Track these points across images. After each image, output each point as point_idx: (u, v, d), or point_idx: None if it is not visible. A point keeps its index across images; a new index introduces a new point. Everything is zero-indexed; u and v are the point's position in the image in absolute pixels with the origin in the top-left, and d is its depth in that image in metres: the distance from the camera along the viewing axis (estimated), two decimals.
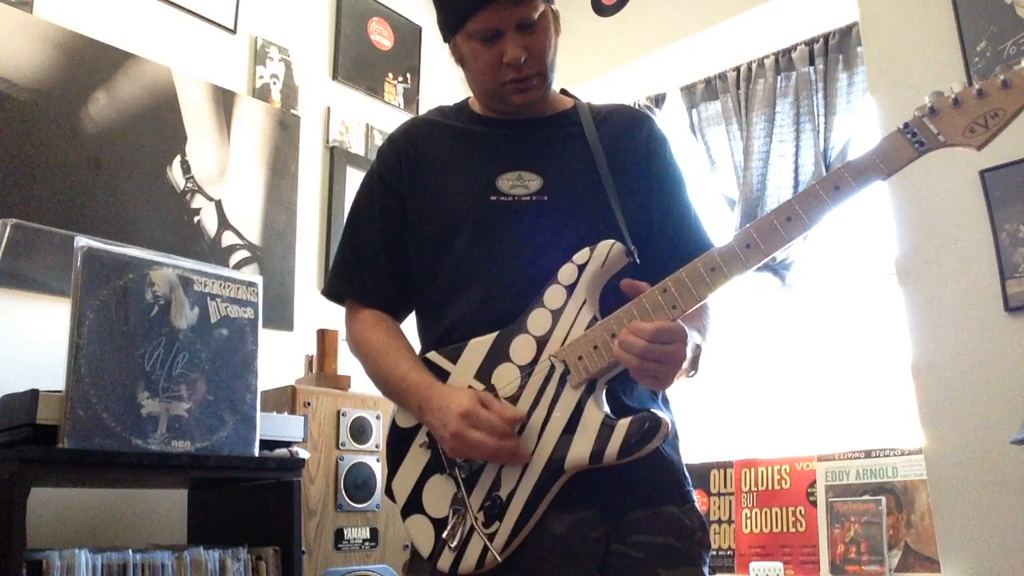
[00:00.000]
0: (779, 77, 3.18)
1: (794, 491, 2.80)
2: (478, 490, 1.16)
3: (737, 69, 3.30)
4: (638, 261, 1.19)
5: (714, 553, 2.89)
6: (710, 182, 3.37)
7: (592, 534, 1.16)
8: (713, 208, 3.36)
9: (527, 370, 1.17)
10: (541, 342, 1.18)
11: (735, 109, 3.28)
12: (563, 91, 1.42)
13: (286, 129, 3.03)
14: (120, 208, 2.51)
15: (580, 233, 1.20)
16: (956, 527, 2.30)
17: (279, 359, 2.69)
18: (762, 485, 2.88)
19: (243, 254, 2.81)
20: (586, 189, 1.26)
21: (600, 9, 3.64)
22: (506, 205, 1.25)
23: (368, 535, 2.46)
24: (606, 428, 1.11)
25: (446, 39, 1.33)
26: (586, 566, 1.16)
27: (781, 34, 3.16)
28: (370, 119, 3.35)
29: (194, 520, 2.30)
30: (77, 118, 2.47)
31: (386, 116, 3.42)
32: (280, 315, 2.82)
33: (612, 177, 1.26)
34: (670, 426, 1.11)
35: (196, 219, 2.70)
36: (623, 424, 1.10)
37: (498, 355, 1.20)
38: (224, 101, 2.85)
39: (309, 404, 2.42)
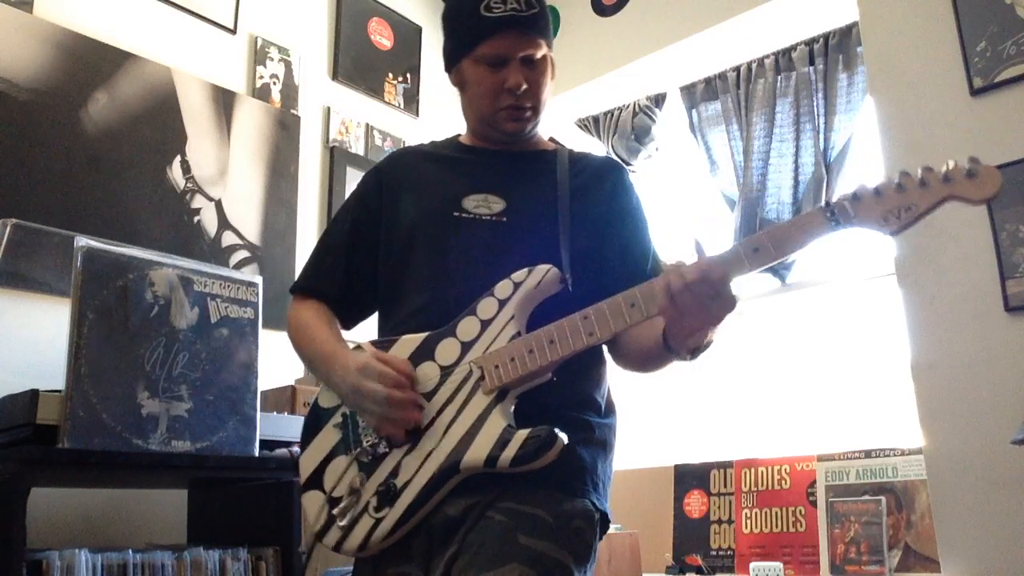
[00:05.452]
0: (779, 77, 3.18)
1: (794, 491, 2.80)
2: (377, 475, 1.22)
3: (737, 69, 3.30)
4: (571, 288, 1.25)
5: (714, 553, 2.89)
6: (710, 182, 3.37)
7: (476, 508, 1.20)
8: (713, 208, 3.36)
9: (448, 371, 1.24)
10: (465, 347, 1.24)
11: (735, 109, 3.28)
12: (551, 139, 1.53)
13: (286, 129, 3.03)
14: (120, 208, 2.51)
15: (526, 255, 1.27)
16: (956, 527, 2.30)
17: (279, 359, 2.67)
18: (762, 485, 2.88)
19: (243, 254, 2.81)
20: (541, 218, 1.35)
21: (600, 9, 3.65)
22: (466, 221, 1.34)
23: None
24: (505, 436, 1.15)
25: (451, 64, 1.43)
26: (457, 531, 1.19)
27: (781, 34, 3.16)
28: (370, 119, 3.35)
29: (194, 520, 2.30)
30: (77, 118, 2.47)
31: (386, 116, 3.42)
32: (280, 315, 2.78)
33: (570, 212, 1.35)
34: (564, 442, 1.13)
35: (196, 219, 2.71)
36: (521, 435, 1.15)
37: (424, 353, 1.26)
38: (224, 101, 2.85)
39: (309, 404, 2.42)
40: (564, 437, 1.13)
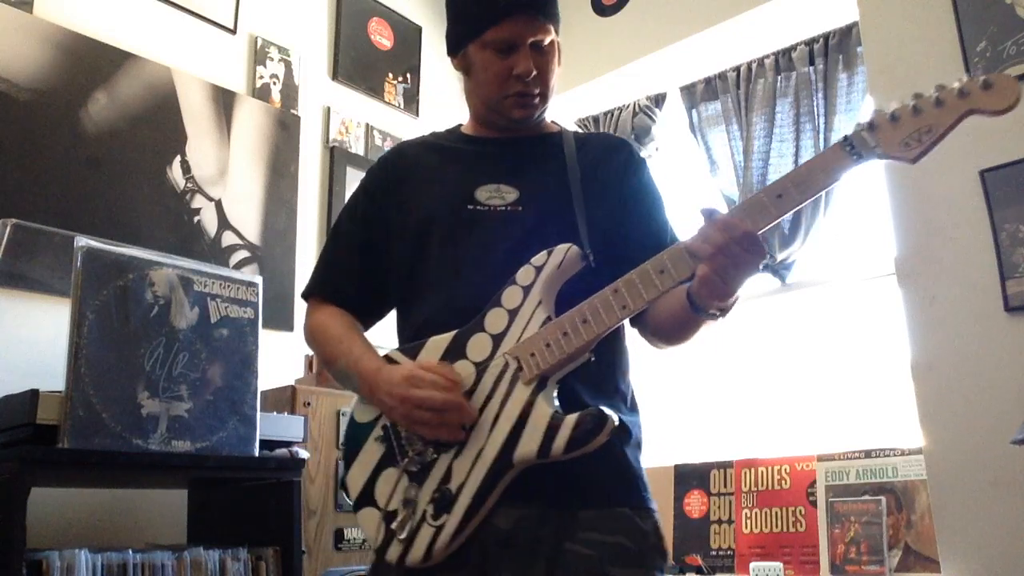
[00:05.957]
0: (779, 77, 3.18)
1: (794, 491, 2.80)
2: (429, 483, 1.19)
3: (737, 69, 3.30)
4: (593, 264, 1.23)
5: (714, 553, 2.89)
6: (710, 182, 3.37)
7: (540, 532, 1.17)
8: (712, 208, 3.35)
9: (482, 366, 1.21)
10: (497, 340, 1.21)
11: (735, 109, 3.28)
12: (553, 122, 1.51)
13: (286, 129, 3.03)
14: (120, 208, 2.51)
15: (545, 242, 1.24)
16: (956, 527, 2.30)
17: (279, 359, 2.69)
18: (762, 485, 2.88)
19: (243, 254, 2.81)
20: (556, 202, 1.32)
21: (600, 9, 3.65)
22: (481, 214, 1.31)
23: None
24: (554, 423, 1.13)
25: (456, 49, 1.39)
26: (533, 562, 1.17)
27: (781, 34, 3.16)
28: (370, 119, 3.35)
29: (194, 520, 2.30)
30: (77, 118, 2.47)
31: (386, 116, 3.42)
32: (280, 315, 2.82)
33: (584, 193, 1.33)
34: (616, 421, 1.12)
35: (196, 219, 2.71)
36: (570, 419, 1.13)
37: (455, 353, 1.23)
38: (224, 101, 2.85)
39: (309, 404, 2.42)
40: (615, 417, 1.11)
